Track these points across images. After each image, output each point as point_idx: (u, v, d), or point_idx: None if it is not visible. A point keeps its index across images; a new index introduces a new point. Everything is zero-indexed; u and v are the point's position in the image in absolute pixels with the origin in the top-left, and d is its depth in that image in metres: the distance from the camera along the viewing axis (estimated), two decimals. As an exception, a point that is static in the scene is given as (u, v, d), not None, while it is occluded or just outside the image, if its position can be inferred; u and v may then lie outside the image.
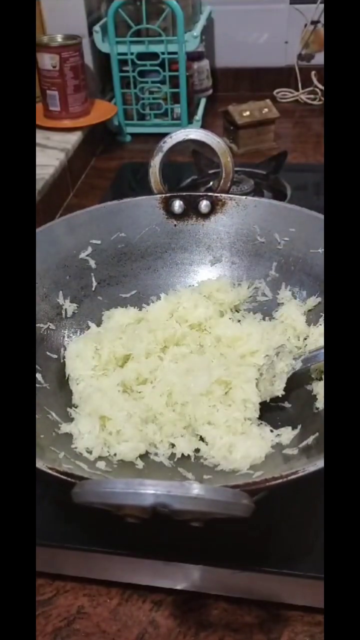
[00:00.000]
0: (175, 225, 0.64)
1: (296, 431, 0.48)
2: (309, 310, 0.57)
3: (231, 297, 0.61)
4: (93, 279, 0.61)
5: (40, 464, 0.37)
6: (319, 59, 1.35)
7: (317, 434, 0.46)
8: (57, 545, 0.44)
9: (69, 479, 0.36)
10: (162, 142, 0.62)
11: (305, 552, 0.43)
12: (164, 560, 0.43)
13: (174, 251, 0.64)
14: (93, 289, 0.61)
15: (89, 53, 1.11)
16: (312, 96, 1.34)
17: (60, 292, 0.59)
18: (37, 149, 0.97)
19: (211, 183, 0.86)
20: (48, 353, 0.56)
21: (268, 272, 0.61)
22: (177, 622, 0.43)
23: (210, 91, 1.34)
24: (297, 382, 0.52)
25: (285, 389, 0.51)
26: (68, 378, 0.55)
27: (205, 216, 0.63)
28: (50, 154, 0.96)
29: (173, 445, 0.49)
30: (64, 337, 0.58)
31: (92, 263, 0.61)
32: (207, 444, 0.49)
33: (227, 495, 0.31)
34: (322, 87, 1.32)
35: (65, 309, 0.59)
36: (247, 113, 1.07)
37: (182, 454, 0.48)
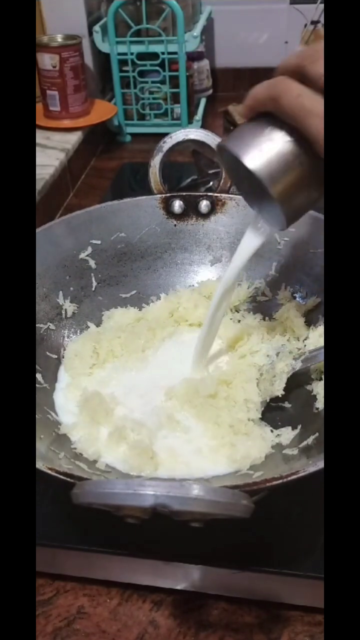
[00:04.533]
0: (175, 225, 0.64)
1: (296, 431, 0.48)
2: (309, 311, 0.57)
3: (231, 297, 0.61)
4: (93, 279, 0.61)
5: (40, 464, 0.37)
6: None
7: (317, 434, 0.46)
8: (57, 545, 0.44)
9: (69, 480, 0.36)
10: (162, 142, 0.62)
11: (305, 552, 0.43)
12: (164, 560, 0.43)
13: (174, 251, 0.64)
14: (93, 289, 0.61)
15: (89, 53, 1.11)
16: (312, 96, 1.34)
17: (60, 292, 0.59)
18: (37, 149, 0.97)
19: (211, 183, 0.86)
20: (48, 353, 0.56)
21: (268, 272, 0.61)
22: (177, 622, 0.43)
23: (210, 91, 1.34)
24: (297, 382, 0.52)
25: (285, 389, 0.51)
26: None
27: (205, 216, 0.63)
28: (50, 154, 0.96)
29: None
30: (64, 337, 0.58)
31: (92, 263, 0.61)
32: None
33: (226, 496, 0.31)
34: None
35: (65, 309, 0.59)
36: (247, 113, 1.07)
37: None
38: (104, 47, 1.10)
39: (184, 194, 0.63)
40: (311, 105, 0.36)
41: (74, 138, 1.02)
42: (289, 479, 0.36)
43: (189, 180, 0.92)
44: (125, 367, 0.55)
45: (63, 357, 0.56)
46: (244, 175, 0.40)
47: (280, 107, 0.37)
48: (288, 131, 0.38)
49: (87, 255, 0.61)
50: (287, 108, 0.37)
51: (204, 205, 0.63)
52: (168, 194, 0.63)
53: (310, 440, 0.46)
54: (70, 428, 0.49)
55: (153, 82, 1.12)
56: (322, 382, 0.51)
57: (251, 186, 0.42)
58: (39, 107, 1.06)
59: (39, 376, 0.52)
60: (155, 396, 0.52)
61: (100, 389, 0.52)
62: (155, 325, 0.58)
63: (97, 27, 1.08)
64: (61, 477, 0.36)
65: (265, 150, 0.38)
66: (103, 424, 0.49)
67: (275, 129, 0.38)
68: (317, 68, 0.36)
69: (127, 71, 1.11)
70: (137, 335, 0.56)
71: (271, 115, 0.38)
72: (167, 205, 0.63)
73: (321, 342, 0.54)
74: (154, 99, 1.15)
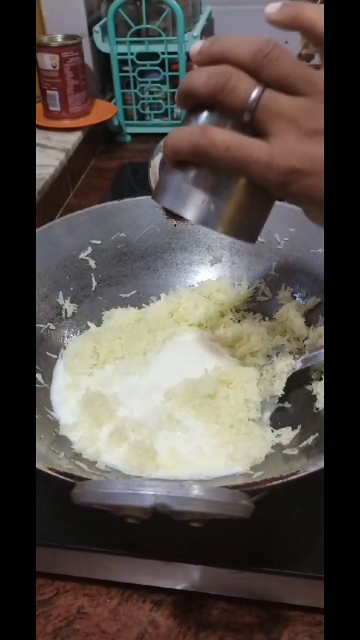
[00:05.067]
0: (175, 225, 0.64)
1: (296, 431, 0.48)
2: (309, 311, 0.57)
3: (231, 297, 0.61)
4: (93, 279, 0.61)
5: (40, 464, 0.37)
6: (319, 59, 1.35)
7: (317, 434, 0.46)
8: (57, 545, 0.44)
9: (69, 480, 0.36)
10: (162, 142, 0.62)
11: (305, 552, 0.43)
12: (164, 560, 0.43)
13: (174, 251, 0.64)
14: (93, 289, 0.61)
15: (89, 53, 1.11)
16: (312, 96, 1.34)
17: (60, 292, 0.59)
18: (37, 149, 0.97)
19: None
20: (48, 353, 0.56)
21: (268, 272, 0.61)
22: (177, 622, 0.43)
23: (210, 91, 1.34)
24: (297, 382, 0.52)
25: (285, 389, 0.51)
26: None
27: (206, 216, 0.63)
28: (50, 154, 0.96)
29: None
30: (64, 337, 0.58)
31: (92, 263, 0.61)
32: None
33: (226, 496, 0.31)
34: (322, 87, 1.32)
35: (65, 309, 0.59)
36: (247, 113, 1.07)
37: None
38: (104, 47, 1.10)
39: (184, 194, 0.63)
40: (243, 155, 0.33)
41: (74, 138, 1.02)
42: (289, 479, 0.36)
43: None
44: (127, 370, 0.55)
45: (62, 357, 0.56)
46: None
47: (210, 164, 0.34)
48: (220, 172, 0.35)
49: (87, 255, 0.61)
50: (220, 165, 0.34)
51: (204, 205, 0.63)
52: (168, 194, 0.62)
53: (310, 440, 0.46)
54: (70, 428, 0.49)
55: (153, 82, 1.12)
56: (322, 382, 0.51)
57: None
58: (39, 107, 1.06)
59: (39, 376, 0.52)
60: (156, 398, 0.52)
61: (101, 389, 0.52)
62: (156, 326, 0.58)
63: (97, 27, 1.08)
64: (61, 477, 0.36)
65: (203, 199, 0.36)
66: (104, 424, 0.49)
67: (206, 172, 0.35)
68: (236, 100, 0.33)
69: (127, 71, 1.11)
70: (137, 338, 0.56)
71: None
72: (167, 205, 0.63)
73: (321, 342, 0.54)
74: (154, 99, 1.15)
